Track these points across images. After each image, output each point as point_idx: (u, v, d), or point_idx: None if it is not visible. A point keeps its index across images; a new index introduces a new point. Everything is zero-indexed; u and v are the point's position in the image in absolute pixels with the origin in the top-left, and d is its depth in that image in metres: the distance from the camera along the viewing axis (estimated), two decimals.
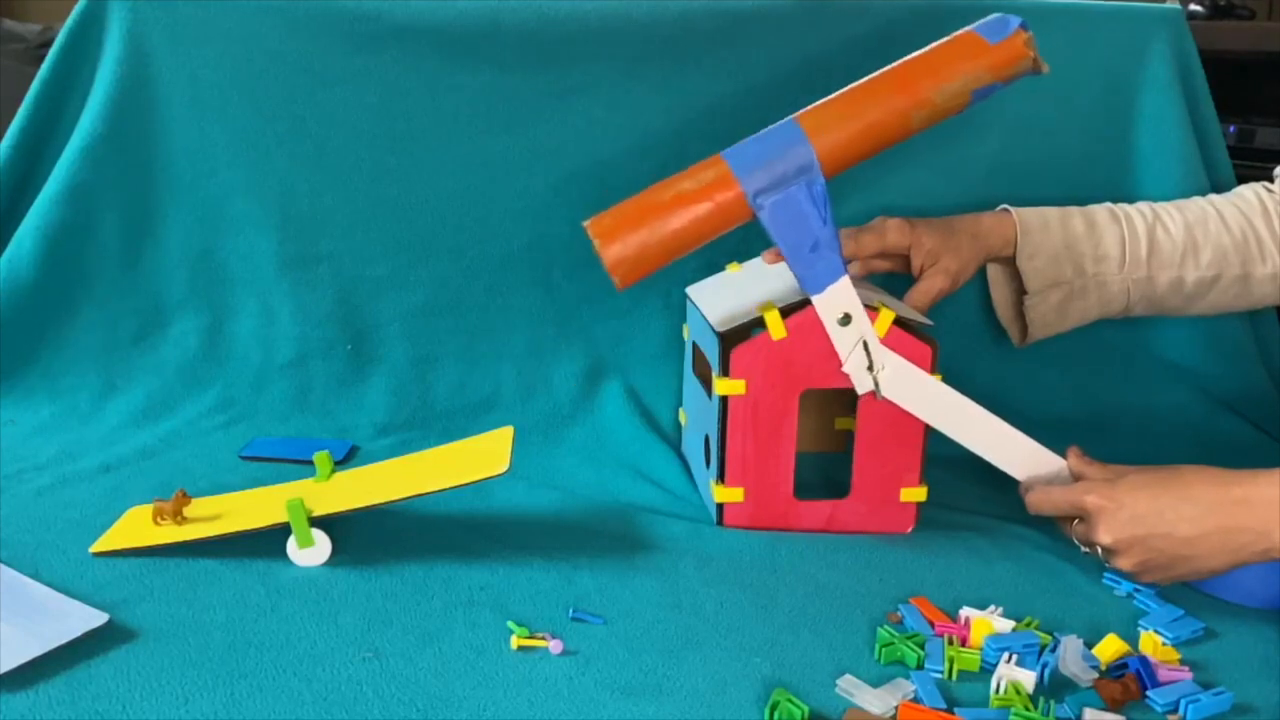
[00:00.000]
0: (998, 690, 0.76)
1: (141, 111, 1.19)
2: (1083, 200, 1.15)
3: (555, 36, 1.19)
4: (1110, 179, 1.28)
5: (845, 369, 0.95)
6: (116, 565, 0.88)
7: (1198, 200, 1.14)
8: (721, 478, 1.00)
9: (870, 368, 0.95)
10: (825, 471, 1.07)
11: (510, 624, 0.81)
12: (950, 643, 0.81)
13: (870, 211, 1.16)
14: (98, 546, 0.91)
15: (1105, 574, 0.93)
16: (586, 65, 1.21)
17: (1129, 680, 0.77)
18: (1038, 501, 0.94)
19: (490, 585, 0.88)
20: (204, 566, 0.89)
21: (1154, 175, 1.27)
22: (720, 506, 1.00)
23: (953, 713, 0.74)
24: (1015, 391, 1.22)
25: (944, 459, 1.02)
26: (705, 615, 0.85)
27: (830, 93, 0.94)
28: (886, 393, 0.96)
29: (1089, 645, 0.81)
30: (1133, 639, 0.83)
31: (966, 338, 1.27)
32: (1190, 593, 0.91)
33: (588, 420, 1.21)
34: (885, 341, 0.95)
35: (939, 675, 0.79)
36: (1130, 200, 1.16)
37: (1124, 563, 0.87)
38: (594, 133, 1.23)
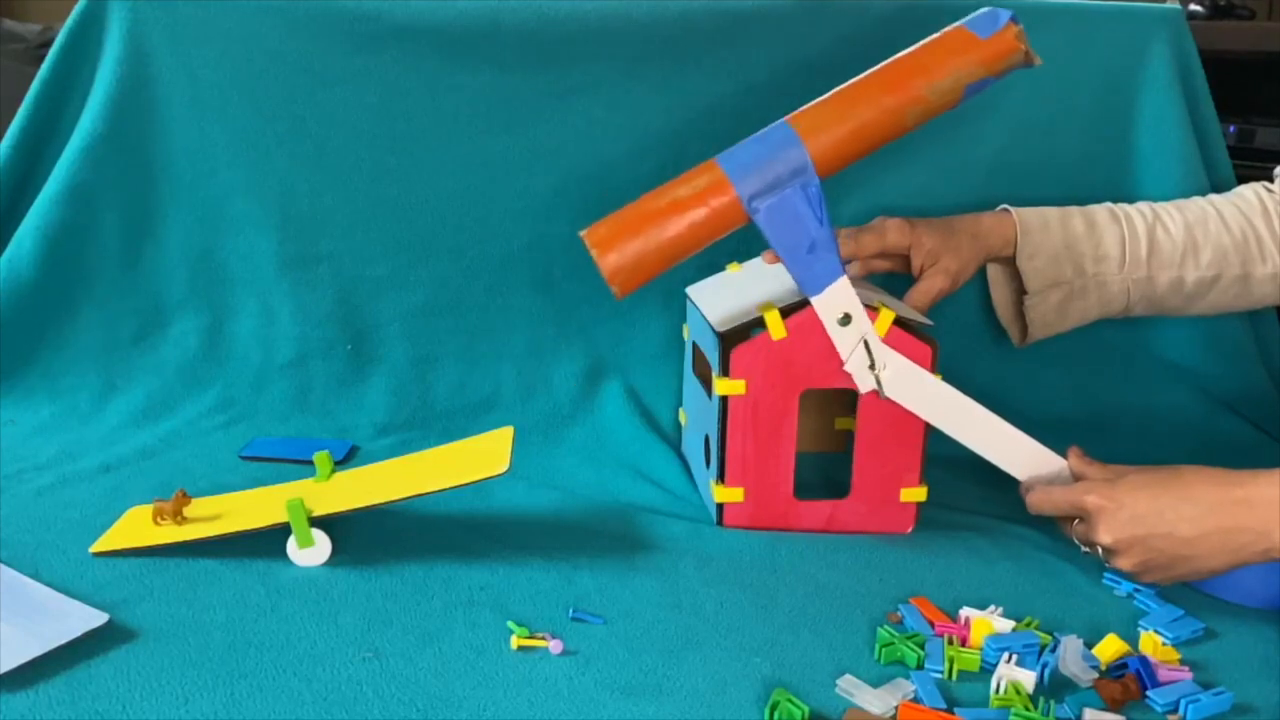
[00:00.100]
0: (998, 690, 0.76)
1: (141, 111, 1.19)
2: (1083, 200, 1.15)
3: (555, 36, 1.19)
4: (1110, 179, 1.28)
5: (847, 368, 0.95)
6: (116, 565, 0.88)
7: (1198, 200, 1.15)
8: (721, 478, 1.00)
9: (872, 367, 0.95)
10: (825, 471, 1.07)
11: (510, 624, 0.81)
12: (950, 643, 0.81)
13: (870, 211, 1.16)
14: (98, 546, 0.91)
15: (1105, 574, 0.93)
16: (586, 65, 1.21)
17: (1129, 680, 0.77)
18: (1038, 501, 0.94)
19: (490, 585, 0.88)
20: (204, 566, 0.89)
21: (1154, 175, 1.27)
22: (720, 506, 1.00)
23: (953, 713, 0.74)
24: (1015, 391, 1.22)
25: (944, 459, 1.02)
26: (705, 615, 0.85)
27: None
28: (889, 392, 0.96)
29: (1089, 645, 0.81)
30: (1133, 639, 0.83)
31: (966, 338, 1.27)
32: (1190, 593, 0.91)
33: (588, 420, 1.21)
34: (885, 341, 0.95)
35: (939, 675, 0.79)
36: (1130, 200, 1.16)
37: (1124, 563, 0.87)
38: (594, 133, 1.23)
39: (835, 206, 1.23)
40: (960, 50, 0.92)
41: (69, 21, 1.18)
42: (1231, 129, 1.72)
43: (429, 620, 0.83)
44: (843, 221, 1.17)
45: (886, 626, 0.83)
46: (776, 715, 0.72)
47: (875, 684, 0.76)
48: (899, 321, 0.96)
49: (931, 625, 0.84)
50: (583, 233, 0.92)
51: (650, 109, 1.22)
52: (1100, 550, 0.89)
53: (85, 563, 0.89)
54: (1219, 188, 1.22)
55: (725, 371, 0.97)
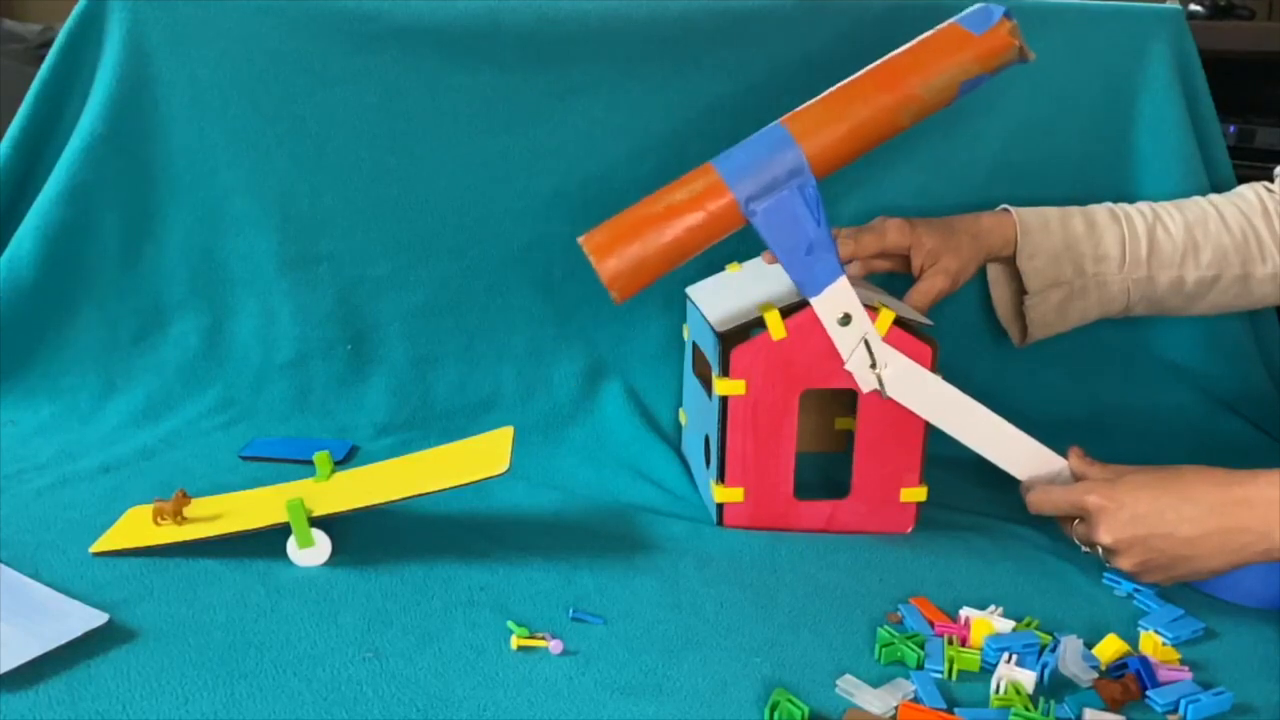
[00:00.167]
0: (998, 690, 0.76)
1: (141, 111, 1.19)
2: (1083, 200, 1.15)
3: (555, 36, 1.19)
4: (1110, 179, 1.28)
5: (848, 367, 0.95)
6: (116, 565, 0.88)
7: (1198, 200, 1.14)
8: (721, 478, 1.00)
9: (873, 366, 0.95)
10: (825, 471, 1.07)
11: (510, 624, 0.81)
12: (950, 643, 0.81)
13: (870, 211, 1.16)
14: (98, 546, 0.90)
15: (1105, 574, 0.93)
16: (586, 65, 1.21)
17: (1129, 680, 0.77)
18: (1038, 501, 0.94)
19: (490, 585, 0.88)
20: (204, 566, 0.89)
21: (1154, 175, 1.27)
22: (720, 506, 1.00)
23: (953, 713, 0.74)
24: (1015, 391, 1.22)
25: (944, 459, 1.02)
26: (705, 615, 0.85)
27: None
28: (891, 391, 0.96)
29: (1089, 645, 0.81)
30: (1133, 639, 0.83)
31: (966, 338, 1.27)
32: (1190, 593, 0.91)
33: (588, 420, 1.21)
34: (885, 341, 0.95)
35: (939, 675, 0.79)
36: (1130, 200, 1.16)
37: (1124, 563, 0.87)
38: (594, 133, 1.23)
39: (835, 206, 1.23)
40: (954, 47, 0.92)
41: (69, 21, 1.18)
42: (1231, 129, 1.72)
43: (429, 620, 0.83)
44: (843, 221, 1.17)
45: (886, 626, 0.83)
46: (776, 715, 0.72)
47: (875, 684, 0.76)
48: (899, 321, 0.96)
49: (931, 625, 0.84)
50: (581, 239, 0.93)
51: (650, 109, 1.22)
52: (1100, 550, 0.89)
53: (85, 563, 0.89)
54: (1219, 188, 1.22)
55: (725, 371, 0.97)
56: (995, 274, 1.18)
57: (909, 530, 1.01)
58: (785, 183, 0.91)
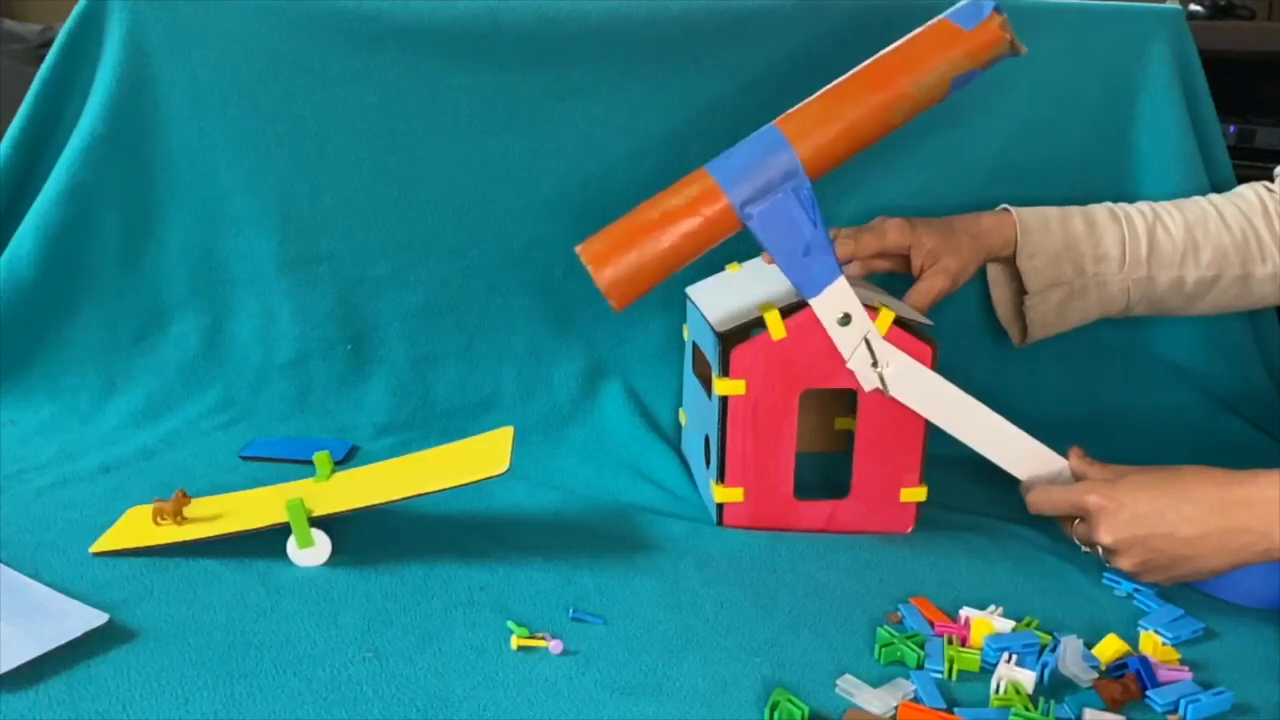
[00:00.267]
0: (998, 690, 0.76)
1: (141, 111, 1.19)
2: (1083, 200, 1.15)
3: (555, 36, 1.19)
4: (1110, 179, 1.28)
5: (850, 366, 0.95)
6: (116, 565, 0.88)
7: (1198, 200, 1.15)
8: (721, 478, 1.00)
9: (875, 365, 0.95)
10: (825, 471, 1.07)
11: (510, 624, 0.81)
12: (950, 643, 0.81)
13: (870, 211, 1.16)
14: (98, 546, 0.90)
15: (1105, 574, 0.93)
16: (586, 65, 1.21)
17: (1129, 680, 0.77)
18: (1039, 501, 0.94)
19: (490, 585, 0.88)
20: (204, 566, 0.89)
21: (1154, 175, 1.27)
22: (720, 506, 1.00)
23: (953, 713, 0.74)
24: (1015, 391, 1.22)
25: (944, 459, 1.02)
26: (705, 615, 0.85)
27: None
28: (893, 390, 0.95)
29: (1089, 645, 0.81)
30: (1133, 639, 0.83)
31: (966, 338, 1.27)
32: (1190, 593, 0.91)
33: (588, 420, 1.21)
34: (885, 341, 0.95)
35: (939, 675, 0.79)
36: (1130, 200, 1.16)
37: (1124, 563, 0.87)
38: (594, 133, 1.23)
39: (834, 207, 1.24)
40: (945, 43, 0.92)
41: (69, 21, 1.18)
42: (1231, 129, 1.72)
43: (429, 620, 0.83)
44: (842, 222, 1.17)
45: (886, 626, 0.83)
46: (776, 715, 0.72)
47: (875, 684, 0.76)
48: (899, 321, 0.96)
49: (931, 625, 0.84)
50: (578, 248, 0.92)
51: (650, 109, 1.22)
52: (1100, 550, 0.89)
53: (85, 563, 0.89)
54: (1219, 188, 1.22)
55: (725, 371, 0.97)
56: (995, 274, 1.18)
57: (909, 530, 1.01)
58: (780, 185, 0.91)
